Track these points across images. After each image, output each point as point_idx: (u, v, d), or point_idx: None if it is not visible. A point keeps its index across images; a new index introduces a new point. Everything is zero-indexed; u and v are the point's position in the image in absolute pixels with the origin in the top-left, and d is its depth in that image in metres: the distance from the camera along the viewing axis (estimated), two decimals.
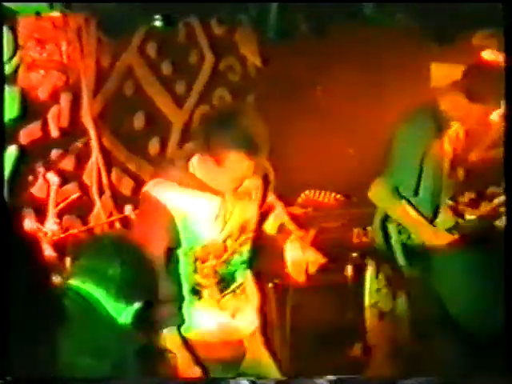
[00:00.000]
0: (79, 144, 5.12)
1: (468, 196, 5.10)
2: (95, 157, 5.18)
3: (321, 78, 5.58)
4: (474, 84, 4.30)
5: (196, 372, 3.49)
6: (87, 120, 5.15)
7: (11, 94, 4.87)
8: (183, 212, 3.47)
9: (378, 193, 4.53)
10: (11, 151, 4.91)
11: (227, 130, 3.36)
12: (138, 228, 3.72)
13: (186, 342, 3.52)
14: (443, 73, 5.43)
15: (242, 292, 3.69)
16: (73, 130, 5.15)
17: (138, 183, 5.22)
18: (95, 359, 2.87)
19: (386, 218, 4.59)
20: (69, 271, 3.27)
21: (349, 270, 4.91)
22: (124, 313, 3.08)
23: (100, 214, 5.13)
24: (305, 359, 4.45)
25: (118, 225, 5.09)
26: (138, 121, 5.31)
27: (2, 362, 2.35)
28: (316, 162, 5.33)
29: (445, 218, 4.56)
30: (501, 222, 4.52)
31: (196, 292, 3.58)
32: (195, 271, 3.56)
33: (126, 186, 5.26)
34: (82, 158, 5.19)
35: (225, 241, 3.57)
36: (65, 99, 5.13)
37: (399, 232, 4.55)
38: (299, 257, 3.66)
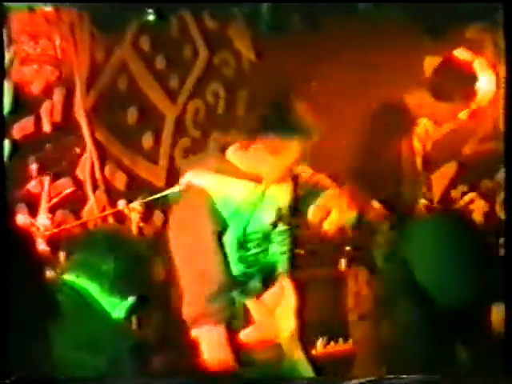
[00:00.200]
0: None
1: (461, 189, 5.11)
2: (89, 151, 5.17)
3: (315, 72, 5.56)
4: (442, 82, 4.26)
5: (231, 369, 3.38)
6: (80, 115, 5.14)
7: (4, 89, 4.87)
8: (225, 199, 3.44)
9: None
10: (4, 146, 4.90)
11: (280, 118, 3.36)
12: (180, 216, 3.59)
13: (230, 339, 3.42)
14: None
15: (281, 292, 3.62)
16: (66, 125, 5.14)
17: (132, 177, 5.21)
18: (90, 354, 2.87)
19: None
20: (63, 266, 3.27)
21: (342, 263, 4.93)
22: (118, 307, 3.08)
23: (93, 208, 5.12)
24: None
25: (111, 219, 5.08)
26: (132, 115, 5.29)
27: (2, 361, 2.35)
28: (312, 158, 5.31)
29: None
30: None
31: (240, 283, 3.53)
32: (240, 260, 3.51)
33: (119, 181, 5.25)
34: (75, 153, 5.18)
35: (266, 229, 3.53)
36: (58, 94, 5.11)
37: None
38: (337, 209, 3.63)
